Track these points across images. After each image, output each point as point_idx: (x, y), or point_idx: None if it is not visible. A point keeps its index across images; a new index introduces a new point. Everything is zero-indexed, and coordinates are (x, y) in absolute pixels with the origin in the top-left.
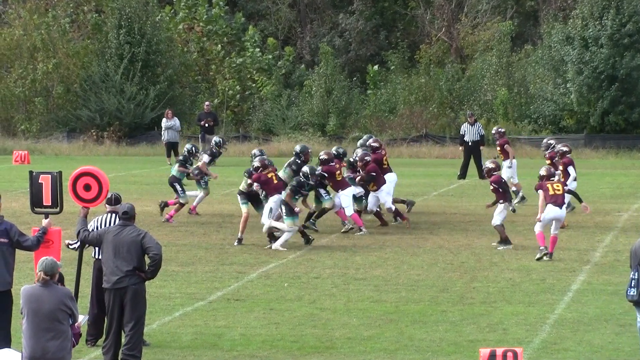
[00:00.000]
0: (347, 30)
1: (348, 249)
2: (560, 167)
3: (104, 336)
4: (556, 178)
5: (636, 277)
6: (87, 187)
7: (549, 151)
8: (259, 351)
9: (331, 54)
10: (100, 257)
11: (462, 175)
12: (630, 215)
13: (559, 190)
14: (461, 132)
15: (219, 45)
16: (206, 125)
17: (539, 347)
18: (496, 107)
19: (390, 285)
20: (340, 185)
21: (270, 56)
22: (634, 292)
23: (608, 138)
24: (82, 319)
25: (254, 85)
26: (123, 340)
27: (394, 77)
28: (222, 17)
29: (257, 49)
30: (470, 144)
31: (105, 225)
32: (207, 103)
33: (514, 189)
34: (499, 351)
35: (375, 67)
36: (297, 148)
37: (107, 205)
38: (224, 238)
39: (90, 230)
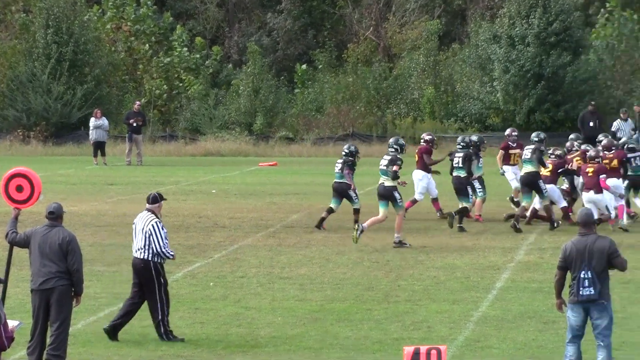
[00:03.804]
0: (275, 29)
1: (273, 248)
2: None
3: (29, 337)
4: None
5: (589, 276)
6: (20, 188)
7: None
8: (183, 351)
9: (259, 53)
10: None
11: None
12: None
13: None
14: (613, 129)
15: (147, 45)
16: (134, 124)
17: (462, 344)
18: (423, 105)
19: (315, 284)
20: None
21: (198, 55)
22: (590, 290)
23: None
24: (17, 324)
25: (181, 84)
26: (48, 340)
27: (322, 76)
28: (150, 17)
29: (185, 49)
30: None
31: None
32: (137, 102)
33: None
34: (423, 349)
35: (303, 66)
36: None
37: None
38: None
39: (26, 231)
